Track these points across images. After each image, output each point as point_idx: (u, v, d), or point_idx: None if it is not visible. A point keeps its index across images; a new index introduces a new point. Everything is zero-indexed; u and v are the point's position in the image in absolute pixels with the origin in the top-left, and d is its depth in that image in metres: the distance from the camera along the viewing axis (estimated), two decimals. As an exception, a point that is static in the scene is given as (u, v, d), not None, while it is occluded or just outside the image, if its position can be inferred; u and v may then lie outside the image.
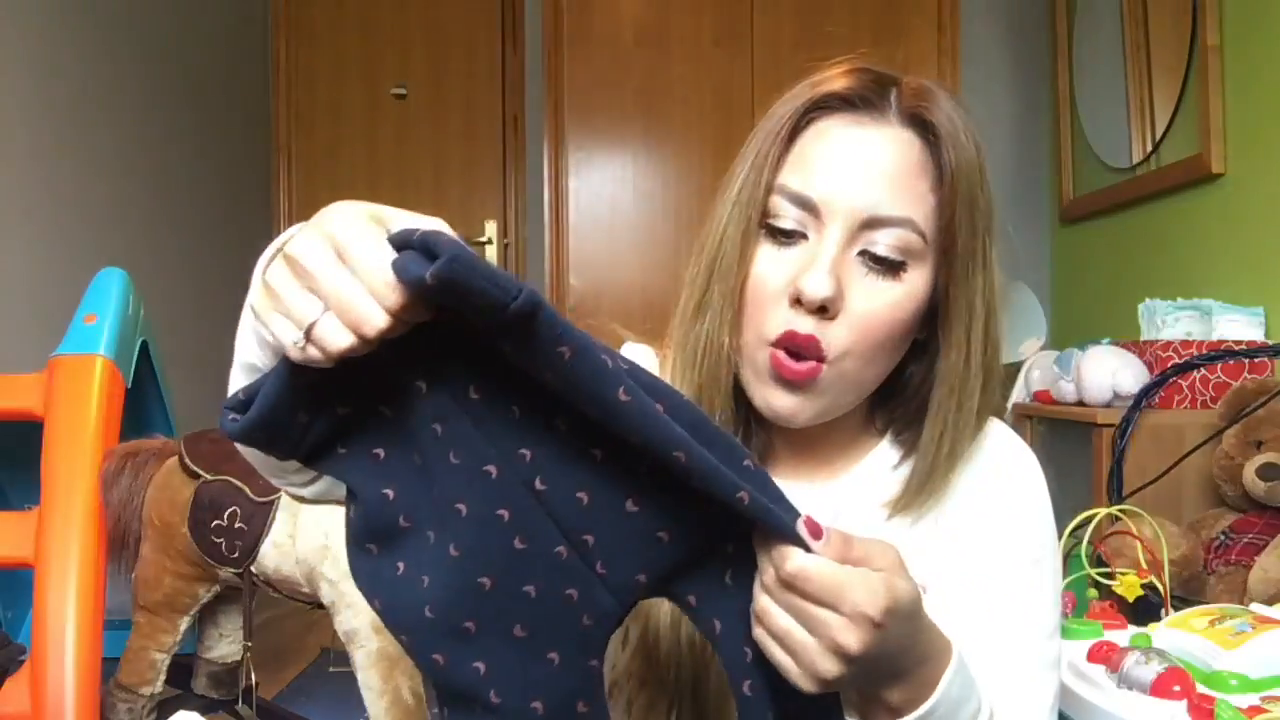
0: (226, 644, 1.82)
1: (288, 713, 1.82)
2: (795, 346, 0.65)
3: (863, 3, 3.50)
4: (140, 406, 1.95)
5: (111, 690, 1.66)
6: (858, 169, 0.65)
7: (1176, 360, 1.99)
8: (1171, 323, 2.17)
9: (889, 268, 0.66)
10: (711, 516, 0.53)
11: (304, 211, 4.20)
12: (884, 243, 0.65)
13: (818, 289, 0.63)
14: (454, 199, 3.64)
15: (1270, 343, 2.02)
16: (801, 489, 0.72)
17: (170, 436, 1.83)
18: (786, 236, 0.66)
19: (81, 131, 2.49)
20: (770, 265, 0.66)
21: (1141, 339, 2.17)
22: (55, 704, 1.44)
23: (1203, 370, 1.98)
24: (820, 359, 0.65)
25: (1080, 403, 2.08)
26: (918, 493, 0.70)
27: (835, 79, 0.68)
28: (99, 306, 1.73)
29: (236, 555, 1.55)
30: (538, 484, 0.54)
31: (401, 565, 0.56)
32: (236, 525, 1.55)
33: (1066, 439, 2.08)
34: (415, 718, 1.48)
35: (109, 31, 2.62)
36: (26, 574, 1.64)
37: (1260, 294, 2.19)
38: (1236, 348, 1.98)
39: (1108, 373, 2.02)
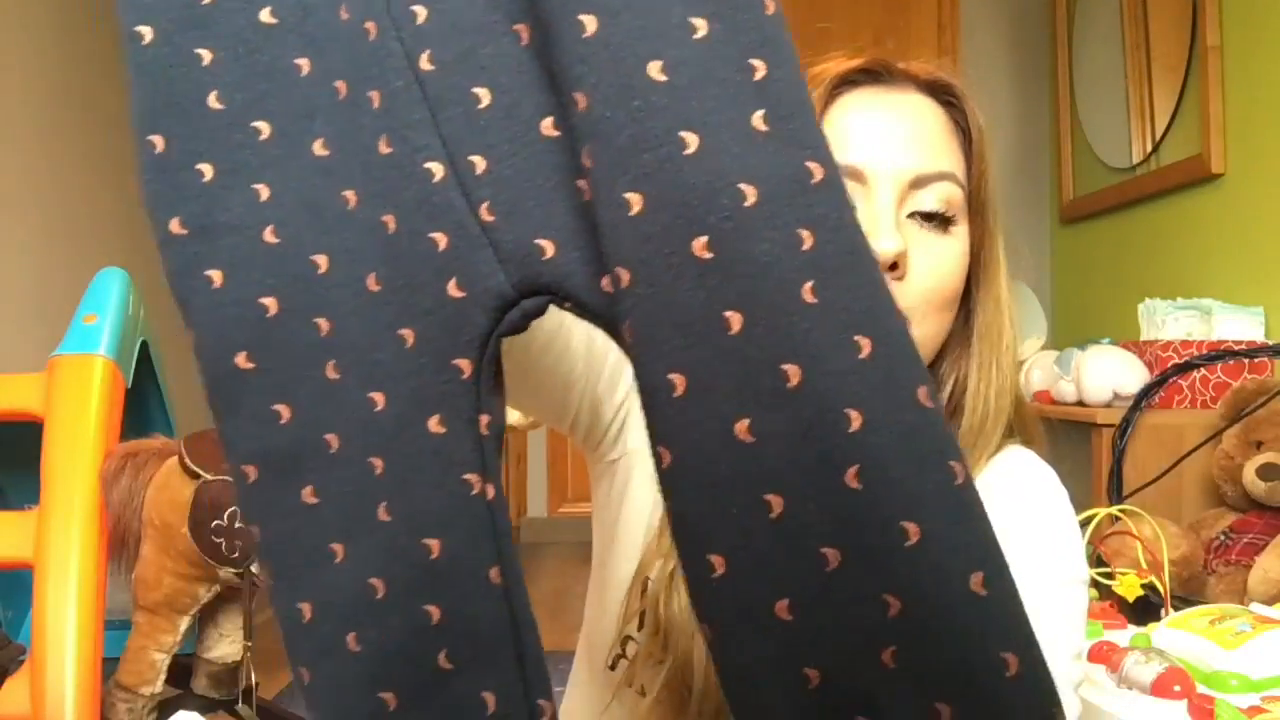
0: (226, 644, 1.82)
1: (288, 713, 1.81)
2: None
3: (863, 3, 3.50)
4: (140, 406, 1.95)
5: (111, 690, 1.66)
6: (895, 131, 0.66)
7: (1176, 360, 1.99)
8: (1171, 323, 2.17)
9: (940, 222, 0.67)
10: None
11: (304, 211, 4.20)
12: (932, 198, 0.66)
13: (888, 246, 0.63)
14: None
15: (1270, 343, 2.02)
16: None
17: (170, 436, 1.83)
18: None
19: (82, 131, 2.49)
20: None
21: (1141, 339, 2.17)
22: (55, 704, 1.44)
23: (1203, 370, 1.98)
24: None
25: (1080, 403, 2.08)
26: (972, 446, 0.69)
27: (848, 59, 0.69)
28: (99, 306, 1.73)
29: (236, 555, 1.55)
30: (423, 61, 0.37)
31: (236, 176, 0.39)
32: (236, 525, 1.55)
33: (1066, 439, 2.08)
34: (415, 718, 1.48)
35: (109, 30, 2.62)
36: (26, 574, 1.64)
37: (1260, 294, 2.19)
38: (1236, 348, 1.98)
39: (1108, 373, 2.02)
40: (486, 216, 0.37)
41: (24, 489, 1.92)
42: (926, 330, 0.67)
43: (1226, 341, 2.02)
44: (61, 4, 2.41)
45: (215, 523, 1.56)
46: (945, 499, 0.34)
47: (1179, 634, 1.14)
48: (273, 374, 0.39)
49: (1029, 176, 3.32)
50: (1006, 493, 0.69)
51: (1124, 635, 1.21)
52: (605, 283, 0.36)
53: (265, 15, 0.38)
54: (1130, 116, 2.73)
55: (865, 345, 0.33)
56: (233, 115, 0.38)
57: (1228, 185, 2.35)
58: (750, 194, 0.33)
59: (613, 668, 0.73)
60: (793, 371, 0.33)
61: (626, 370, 0.66)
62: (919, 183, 0.66)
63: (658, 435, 0.36)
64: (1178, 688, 1.01)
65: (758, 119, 0.34)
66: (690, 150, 0.33)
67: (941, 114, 0.69)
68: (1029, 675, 0.33)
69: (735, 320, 0.33)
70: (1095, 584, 1.44)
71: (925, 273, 0.66)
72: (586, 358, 0.70)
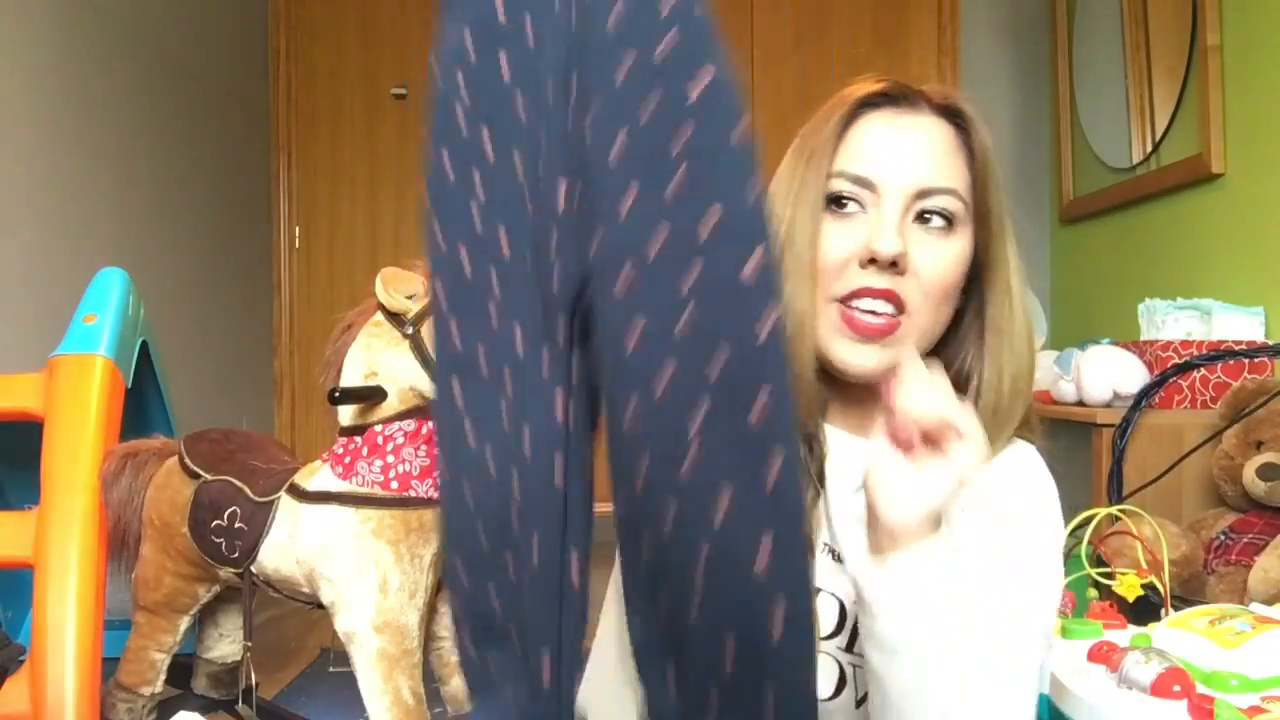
0: (226, 644, 1.82)
1: (288, 713, 1.82)
2: (873, 299, 0.75)
3: (863, 2, 3.50)
4: (140, 406, 1.95)
5: (111, 690, 1.66)
6: (907, 149, 0.77)
7: (1176, 360, 1.99)
8: (1171, 323, 2.17)
9: (941, 228, 0.76)
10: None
11: (304, 212, 4.18)
12: (934, 207, 0.76)
13: (890, 246, 0.74)
14: (454, 199, 3.64)
15: (1270, 343, 2.02)
16: (852, 440, 0.80)
17: (170, 436, 1.83)
18: (847, 212, 0.77)
19: (81, 131, 2.49)
20: (837, 235, 0.76)
21: (1141, 339, 2.17)
22: (55, 704, 1.44)
23: (1203, 370, 1.98)
24: (900, 310, 0.75)
25: (1080, 403, 2.08)
26: (989, 424, 0.75)
27: (872, 83, 0.79)
28: (99, 306, 1.73)
29: (236, 555, 1.55)
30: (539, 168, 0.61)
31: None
32: (236, 525, 1.55)
33: (1066, 439, 2.08)
34: (415, 718, 1.48)
35: (108, 30, 2.62)
36: (26, 574, 1.64)
37: (1260, 294, 2.19)
38: (1236, 348, 1.98)
39: (1108, 373, 2.02)
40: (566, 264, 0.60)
41: (24, 489, 1.92)
42: (925, 320, 0.76)
43: (1226, 341, 2.02)
44: (62, 4, 2.41)
45: (215, 523, 1.56)
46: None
47: (1179, 634, 1.14)
48: (456, 309, 0.62)
49: (1029, 176, 3.32)
50: (1009, 489, 0.77)
51: (1124, 635, 1.21)
52: None
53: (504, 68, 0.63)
54: (1130, 116, 2.73)
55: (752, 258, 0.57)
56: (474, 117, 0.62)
57: (1228, 185, 2.35)
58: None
59: None
60: (723, 354, 0.56)
61: None
62: (924, 194, 0.76)
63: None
64: (1178, 688, 1.01)
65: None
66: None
67: (950, 133, 0.78)
68: (795, 628, 0.55)
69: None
70: (1095, 584, 1.44)
71: (925, 270, 0.75)
72: None
